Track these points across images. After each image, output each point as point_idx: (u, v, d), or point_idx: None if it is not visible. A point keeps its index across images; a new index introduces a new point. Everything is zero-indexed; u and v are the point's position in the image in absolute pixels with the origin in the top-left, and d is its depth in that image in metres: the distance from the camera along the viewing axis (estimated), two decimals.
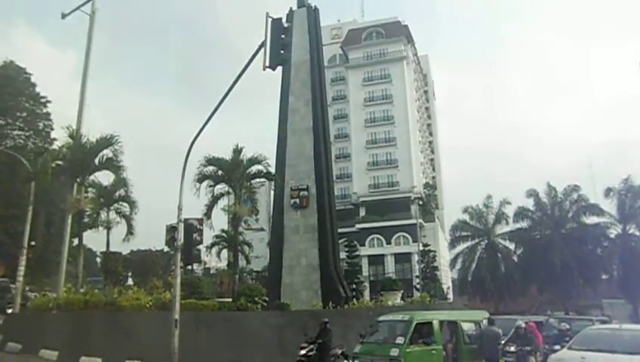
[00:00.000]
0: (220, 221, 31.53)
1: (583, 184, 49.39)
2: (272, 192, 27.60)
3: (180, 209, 17.04)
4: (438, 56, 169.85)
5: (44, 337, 17.22)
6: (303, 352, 16.00)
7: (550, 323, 18.85)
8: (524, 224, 49.40)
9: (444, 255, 69.61)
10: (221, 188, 23.44)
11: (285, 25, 14.32)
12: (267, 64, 13.51)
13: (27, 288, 26.55)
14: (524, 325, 14.04)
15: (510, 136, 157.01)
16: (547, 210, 48.64)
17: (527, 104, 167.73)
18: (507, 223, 50.10)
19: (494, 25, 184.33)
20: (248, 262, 42.19)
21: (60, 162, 23.00)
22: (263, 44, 13.67)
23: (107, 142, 23.09)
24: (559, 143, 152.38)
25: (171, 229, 17.94)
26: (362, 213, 74.02)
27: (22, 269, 22.30)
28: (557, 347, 14.04)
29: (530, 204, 48.96)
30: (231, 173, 22.73)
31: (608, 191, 45.55)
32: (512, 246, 50.82)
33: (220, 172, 22.98)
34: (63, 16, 28.99)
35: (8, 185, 35.34)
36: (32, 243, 25.17)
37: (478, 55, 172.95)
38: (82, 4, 28.96)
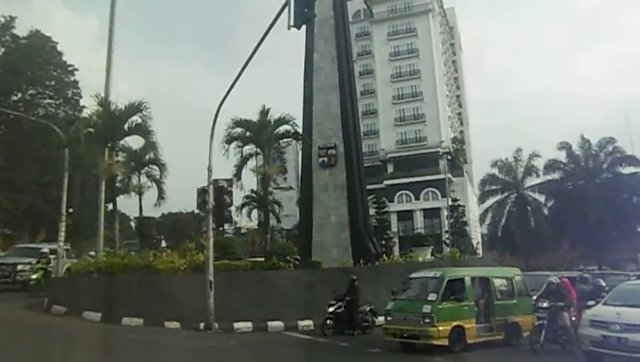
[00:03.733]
0: (249, 181, 31.78)
1: (618, 136, 48.02)
2: (300, 151, 27.47)
3: (209, 171, 17.25)
4: (465, 6, 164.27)
5: (86, 300, 17.78)
6: (331, 309, 16.32)
7: (584, 278, 18.64)
8: (555, 176, 48.52)
9: (473, 210, 69.29)
10: (249, 149, 23.58)
11: None
12: (292, 23, 13.26)
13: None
14: (556, 281, 13.87)
15: (540, 88, 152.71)
16: (580, 161, 47.56)
17: (558, 55, 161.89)
18: (537, 176, 49.37)
19: None
20: (279, 221, 42.69)
21: (91, 129, 23.35)
22: (287, 3, 13.40)
23: (136, 108, 23.30)
24: (592, 97, 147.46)
25: (202, 192, 18.25)
26: (390, 169, 73.82)
27: (62, 235, 22.91)
28: (591, 303, 13.91)
29: (561, 156, 47.97)
30: (259, 133, 22.77)
31: None
32: (542, 199, 50.04)
33: (248, 133, 23.05)
34: None
35: (43, 152, 36.15)
36: (70, 210, 25.85)
37: (507, 3, 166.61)
38: None
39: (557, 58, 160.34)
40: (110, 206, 26.67)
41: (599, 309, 11.84)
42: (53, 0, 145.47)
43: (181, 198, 57.84)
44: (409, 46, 76.47)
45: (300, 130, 24.81)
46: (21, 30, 40.77)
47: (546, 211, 49.59)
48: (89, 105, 30.50)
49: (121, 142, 24.53)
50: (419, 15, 77.33)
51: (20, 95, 41.35)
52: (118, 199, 25.34)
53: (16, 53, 39.82)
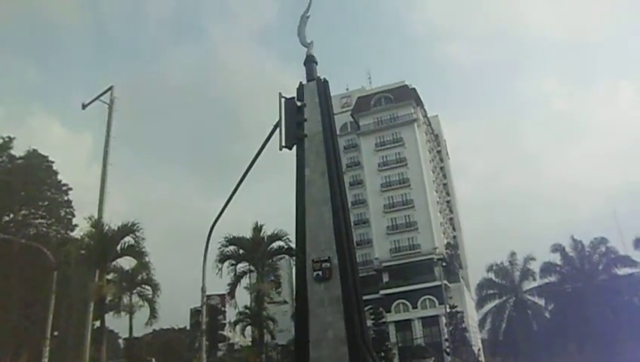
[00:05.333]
0: (243, 297, 31.15)
1: (608, 235, 48.18)
2: (294, 265, 27.16)
3: (203, 291, 16.97)
4: (448, 113, 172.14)
5: None
6: None
7: None
8: (552, 279, 48.02)
9: (471, 315, 67.63)
10: (243, 266, 23.37)
11: (299, 104, 14.62)
12: (283, 143, 13.74)
13: None
14: None
15: (527, 188, 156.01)
16: (576, 263, 47.32)
17: (542, 154, 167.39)
18: (534, 279, 48.87)
19: (502, 78, 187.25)
20: (273, 337, 41.37)
21: (82, 251, 23.21)
22: (277, 125, 13.97)
23: (129, 229, 23.40)
24: (579, 191, 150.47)
25: (196, 313, 17.89)
26: (385, 278, 72.91)
27: (46, 359, 21.96)
28: None
29: (555, 258, 47.78)
30: (252, 251, 22.74)
31: (638, 242, 44.34)
32: (542, 302, 49.18)
33: (241, 251, 23.00)
34: (84, 106, 30.18)
35: (31, 272, 35.50)
36: (55, 333, 24.96)
37: (488, 109, 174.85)
38: (101, 94, 30.18)
39: (536, 158, 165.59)
40: (97, 323, 25.82)
41: None
42: (50, 119, 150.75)
43: (173, 314, 56.18)
44: (397, 155, 78.62)
45: (293, 245, 24.73)
46: (18, 150, 41.74)
47: (547, 314, 48.53)
48: (81, 226, 30.55)
49: (113, 262, 24.28)
50: (404, 125, 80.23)
51: (11, 215, 41.36)
52: (107, 317, 24.64)
53: (12, 173, 40.41)
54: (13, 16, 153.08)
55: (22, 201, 41.46)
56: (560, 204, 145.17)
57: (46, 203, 42.49)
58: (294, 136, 13.81)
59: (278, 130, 13.88)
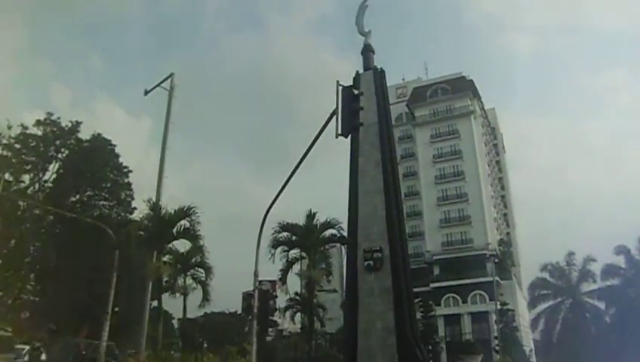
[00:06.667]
0: (294, 283, 31.56)
1: None
2: (345, 254, 27.29)
3: (256, 276, 17.27)
4: (506, 106, 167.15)
5: None
6: None
7: None
8: (614, 282, 46.08)
9: (523, 314, 65.96)
10: (295, 253, 23.70)
11: (355, 92, 14.57)
12: (339, 132, 13.74)
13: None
14: None
15: (589, 184, 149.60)
16: None
17: (610, 149, 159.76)
18: (594, 281, 47.08)
19: (565, 70, 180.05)
20: (322, 325, 41.63)
21: (141, 232, 24.08)
22: (334, 112, 13.97)
23: (185, 213, 24.11)
24: None
25: (248, 297, 18.26)
26: (436, 271, 72.14)
27: (105, 334, 22.97)
28: None
29: (619, 261, 45.71)
30: (305, 238, 22.96)
31: None
32: (601, 306, 47.34)
33: (293, 237, 23.28)
34: (146, 92, 31.16)
35: (95, 250, 37.23)
36: (116, 308, 26.10)
37: (551, 103, 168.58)
38: (162, 81, 31.10)
39: (604, 154, 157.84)
40: (155, 303, 26.83)
41: None
42: (113, 105, 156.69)
43: (226, 298, 57.45)
44: (452, 147, 77.40)
45: (345, 233, 24.82)
46: (84, 134, 43.79)
47: (607, 319, 46.66)
48: (140, 208, 31.73)
49: (169, 244, 25.10)
50: (461, 117, 78.82)
51: (78, 196, 43.44)
52: (162, 297, 25.55)
53: (78, 155, 42.43)
54: (80, 7, 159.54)
55: (87, 183, 43.54)
56: (628, 202, 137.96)
57: (109, 184, 44.41)
58: (350, 125, 13.77)
59: (334, 118, 13.83)
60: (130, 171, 45.56)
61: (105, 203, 44.10)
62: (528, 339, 64.77)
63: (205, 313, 53.39)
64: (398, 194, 28.07)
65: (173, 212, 24.14)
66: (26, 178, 42.50)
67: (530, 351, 61.78)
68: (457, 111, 79.31)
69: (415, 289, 34.62)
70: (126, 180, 45.43)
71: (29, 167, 42.24)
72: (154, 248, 23.89)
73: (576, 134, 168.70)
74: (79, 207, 41.61)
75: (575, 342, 44.55)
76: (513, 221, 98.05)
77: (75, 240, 38.51)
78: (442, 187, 75.76)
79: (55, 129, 42.78)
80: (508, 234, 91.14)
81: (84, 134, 43.89)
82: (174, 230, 24.22)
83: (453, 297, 68.90)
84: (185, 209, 23.93)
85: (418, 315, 42.36)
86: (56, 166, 43.02)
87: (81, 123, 43.70)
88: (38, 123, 42.27)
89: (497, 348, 49.85)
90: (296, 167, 15.35)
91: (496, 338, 52.31)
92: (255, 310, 17.18)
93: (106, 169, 44.58)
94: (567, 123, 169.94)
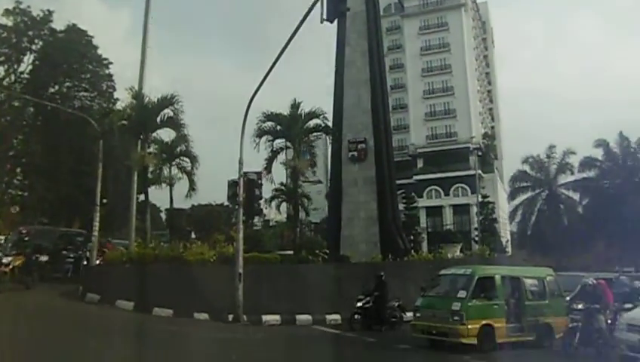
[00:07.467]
0: (279, 174, 31.95)
1: None
2: (330, 145, 27.46)
3: (240, 164, 17.31)
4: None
5: (119, 289, 18.14)
6: (359, 304, 16.34)
7: (621, 280, 18.10)
8: (591, 174, 47.17)
9: (503, 207, 68.25)
10: (280, 142, 23.79)
11: None
12: (325, 17, 13.19)
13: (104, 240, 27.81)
14: (591, 282, 13.42)
15: (576, 82, 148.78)
16: (618, 159, 46.04)
17: (597, 50, 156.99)
18: (572, 173, 48.16)
19: None
20: (307, 214, 42.82)
21: (124, 122, 23.81)
22: None
23: (168, 101, 23.73)
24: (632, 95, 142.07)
25: (233, 185, 18.48)
26: (420, 164, 73.20)
27: (96, 225, 23.34)
28: (628, 305, 13.51)
29: (598, 153, 46.56)
30: (289, 127, 22.95)
31: None
32: (576, 197, 48.83)
33: (278, 127, 23.26)
34: None
35: (78, 143, 37.00)
36: (104, 200, 26.38)
37: None
38: None
39: (594, 53, 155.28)
40: (142, 197, 27.19)
41: (636, 312, 11.53)
42: None
43: (211, 190, 58.54)
44: (440, 40, 75.48)
45: (330, 124, 24.80)
46: (58, 24, 41.75)
47: (580, 210, 48.34)
48: (123, 98, 31.14)
49: (154, 134, 24.96)
50: (451, 9, 76.19)
51: (56, 87, 42.29)
52: (149, 190, 25.85)
53: (53, 46, 40.75)
54: None
55: (65, 74, 42.15)
56: (617, 102, 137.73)
57: (88, 76, 43.12)
58: (336, 9, 13.19)
59: (319, 2, 13.22)
60: (111, 63, 44.04)
61: (86, 94, 43.02)
62: (506, 230, 67.56)
63: (192, 205, 54.61)
64: (384, 86, 27.94)
65: (156, 100, 23.77)
66: (0, 70, 41.01)
67: (507, 241, 64.58)
68: (448, 3, 76.44)
69: (398, 181, 35.45)
70: (107, 72, 44.12)
71: (1, 58, 40.60)
72: (138, 137, 23.76)
73: (569, 30, 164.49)
74: (59, 98, 40.56)
75: (547, 232, 46.32)
76: (498, 115, 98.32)
77: (58, 133, 38.07)
78: (429, 80, 74.83)
79: (26, 19, 40.66)
80: (492, 128, 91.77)
81: (58, 24, 41.88)
82: (158, 119, 23.99)
83: (436, 190, 70.52)
84: (168, 97, 23.57)
85: (401, 206, 43.71)
86: (31, 58, 41.35)
87: (53, 12, 41.45)
88: (7, 12, 40.02)
89: (476, 238, 52.00)
90: (281, 52, 14.87)
91: (476, 229, 54.40)
92: (240, 198, 17.44)
93: (84, 60, 43.02)
94: (561, 18, 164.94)
